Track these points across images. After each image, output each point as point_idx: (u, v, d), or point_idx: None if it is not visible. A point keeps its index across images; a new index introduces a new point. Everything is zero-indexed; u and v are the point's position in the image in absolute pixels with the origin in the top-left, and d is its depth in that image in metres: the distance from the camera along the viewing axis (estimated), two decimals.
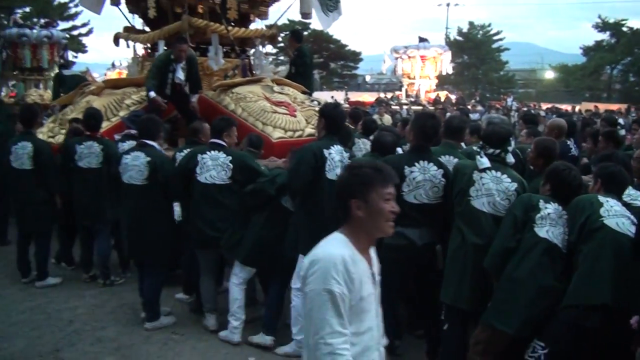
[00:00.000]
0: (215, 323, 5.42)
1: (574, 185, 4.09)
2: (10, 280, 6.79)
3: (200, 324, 5.53)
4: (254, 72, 9.12)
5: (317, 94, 15.50)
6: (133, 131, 6.38)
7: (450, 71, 37.91)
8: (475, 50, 53.99)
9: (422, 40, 34.62)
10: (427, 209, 4.44)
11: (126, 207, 5.54)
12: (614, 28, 48.02)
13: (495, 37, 55.69)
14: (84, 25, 34.63)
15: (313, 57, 11.05)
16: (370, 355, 2.43)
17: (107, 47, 10.37)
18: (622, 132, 10.14)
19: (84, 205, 6.51)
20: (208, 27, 8.30)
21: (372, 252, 2.57)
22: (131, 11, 9.40)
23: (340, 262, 2.28)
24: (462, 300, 4.23)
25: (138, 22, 9.58)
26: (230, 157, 5.27)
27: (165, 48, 8.42)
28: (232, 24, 8.69)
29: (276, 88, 8.38)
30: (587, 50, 51.10)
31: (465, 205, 4.30)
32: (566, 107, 31.69)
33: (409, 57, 34.44)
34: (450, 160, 4.83)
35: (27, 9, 28.68)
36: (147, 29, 9.25)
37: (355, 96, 37.18)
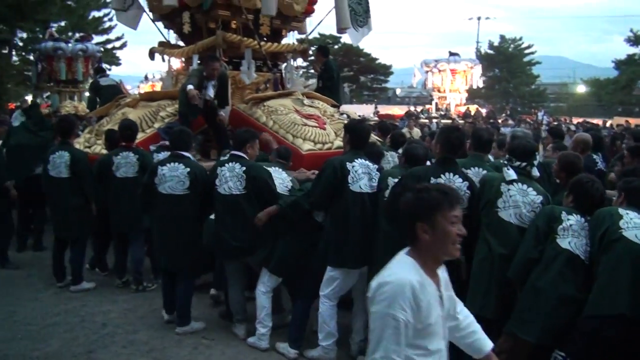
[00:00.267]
0: (244, 333, 5.52)
1: (596, 197, 4.17)
2: (45, 284, 7.00)
3: (229, 330, 5.65)
4: (285, 85, 9.28)
5: (346, 107, 15.63)
6: (168, 142, 6.57)
7: (481, 85, 37.85)
8: (506, 64, 53.63)
9: (452, 54, 34.62)
10: None
11: (162, 216, 5.66)
12: None
13: (526, 51, 55.26)
14: (118, 39, 35.13)
15: (340, 71, 11.16)
16: None
17: (140, 60, 10.59)
18: None
19: (120, 213, 6.68)
20: (241, 42, 8.45)
21: (441, 271, 2.56)
22: (166, 26, 9.62)
23: (408, 288, 2.28)
24: (489, 310, 4.28)
25: (172, 37, 9.81)
26: (244, 168, 5.35)
27: (199, 62, 8.63)
28: (265, 39, 8.85)
29: (306, 101, 8.51)
30: (619, 64, 50.30)
31: (493, 216, 4.38)
32: (598, 121, 31.28)
33: (440, 70, 34.45)
34: (478, 172, 4.91)
35: (63, 23, 29.23)
36: (181, 43, 9.45)
37: (385, 109, 37.17)
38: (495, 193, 4.41)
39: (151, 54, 9.65)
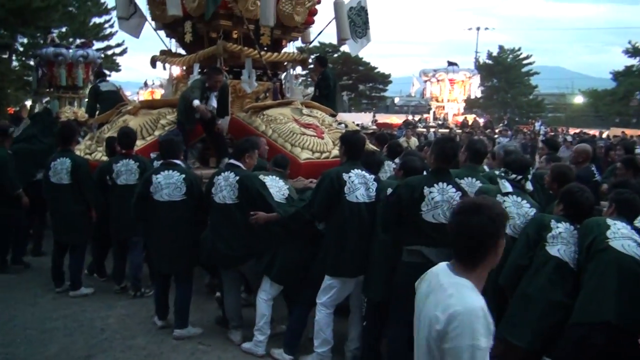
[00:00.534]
0: (240, 339, 5.60)
1: (586, 206, 4.31)
2: (44, 289, 7.06)
3: (225, 336, 5.73)
4: (284, 95, 9.39)
5: (345, 115, 15.72)
6: None
7: (479, 95, 38.00)
8: (504, 74, 53.87)
9: (451, 64, 34.78)
10: (444, 229, 4.56)
11: (161, 222, 5.74)
12: None
13: (525, 61, 55.52)
14: (118, 45, 35.17)
15: (338, 80, 11.28)
16: None
17: (139, 66, 10.66)
18: None
19: (121, 220, 6.70)
20: (242, 51, 8.53)
21: None
22: (168, 35, 9.72)
23: (482, 314, 2.20)
24: None
25: (172, 45, 9.90)
26: (237, 178, 5.44)
27: (199, 70, 8.73)
28: (265, 48, 8.94)
29: (305, 111, 8.59)
30: (617, 75, 50.59)
31: None
32: (595, 132, 31.48)
33: (438, 80, 34.59)
34: (471, 182, 5.01)
35: (64, 29, 29.35)
36: (182, 51, 9.56)
37: (383, 118, 37.34)
38: None
39: (153, 62, 9.73)
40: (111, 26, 33.46)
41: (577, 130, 31.28)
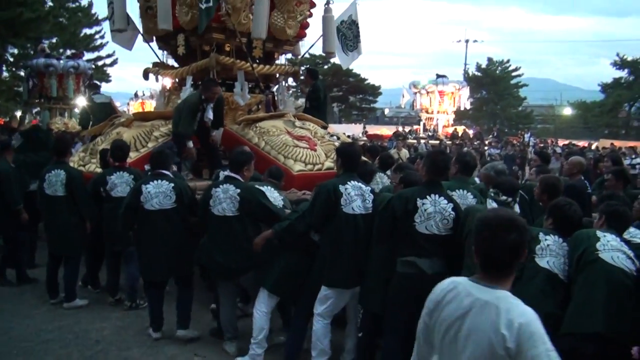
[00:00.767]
0: (235, 350, 5.62)
1: (575, 219, 4.39)
2: (38, 301, 7.06)
3: (220, 347, 5.74)
4: (277, 107, 9.48)
5: (335, 127, 15.81)
6: None
7: (468, 106, 38.29)
8: (493, 86, 54.08)
9: (440, 76, 35.05)
10: (437, 240, 4.62)
11: (153, 231, 5.84)
12: (633, 66, 48.08)
13: (513, 73, 55.77)
14: (109, 56, 35.22)
15: (329, 92, 11.41)
16: None
17: (130, 77, 10.74)
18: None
19: (116, 232, 6.65)
20: (234, 64, 8.62)
21: None
22: (161, 48, 9.82)
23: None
24: None
25: (164, 57, 9.98)
26: (238, 190, 5.47)
27: (192, 82, 8.81)
28: (257, 61, 9.03)
29: (297, 123, 8.65)
30: (605, 87, 51.05)
31: None
32: (584, 143, 31.70)
33: (428, 92, 34.88)
34: (463, 194, 5.13)
35: (54, 40, 29.34)
36: (175, 64, 9.63)
37: (373, 129, 37.50)
38: None
39: (145, 74, 9.81)
40: (102, 37, 33.57)
41: (566, 142, 31.48)
